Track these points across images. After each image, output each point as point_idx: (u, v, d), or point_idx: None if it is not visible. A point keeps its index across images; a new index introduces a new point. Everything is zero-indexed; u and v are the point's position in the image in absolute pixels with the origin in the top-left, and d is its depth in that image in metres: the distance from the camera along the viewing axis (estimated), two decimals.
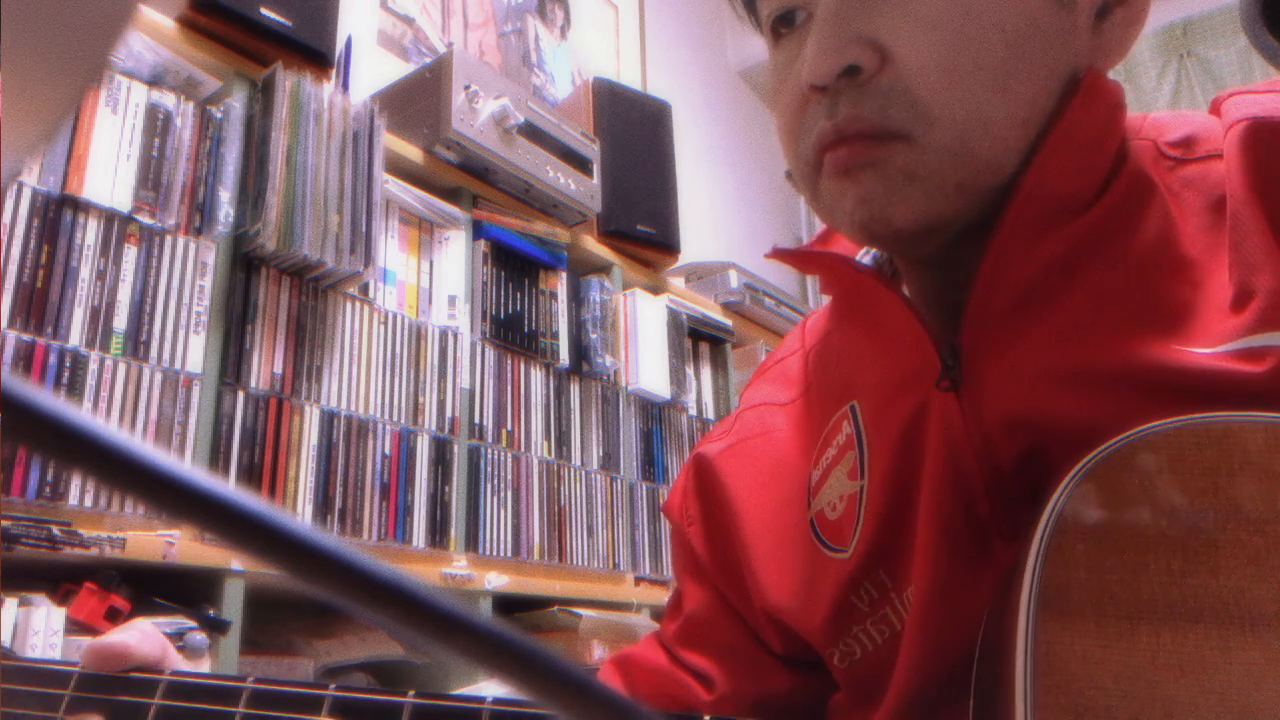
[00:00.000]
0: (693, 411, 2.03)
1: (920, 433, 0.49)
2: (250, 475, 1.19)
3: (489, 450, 1.52)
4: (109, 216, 1.12)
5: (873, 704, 0.51)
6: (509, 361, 1.62)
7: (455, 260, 1.56)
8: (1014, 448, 0.45)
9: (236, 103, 1.28)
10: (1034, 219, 0.47)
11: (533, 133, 1.67)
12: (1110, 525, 0.36)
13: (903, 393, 0.50)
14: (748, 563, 0.60)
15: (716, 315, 2.15)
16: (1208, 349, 0.42)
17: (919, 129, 0.45)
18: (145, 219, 1.15)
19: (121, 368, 1.09)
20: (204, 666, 1.06)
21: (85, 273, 1.09)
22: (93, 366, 1.07)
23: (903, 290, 0.53)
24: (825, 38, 0.46)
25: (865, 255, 0.59)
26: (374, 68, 1.88)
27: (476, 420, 1.52)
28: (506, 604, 1.52)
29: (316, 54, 1.36)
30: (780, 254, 0.56)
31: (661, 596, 1.77)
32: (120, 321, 1.11)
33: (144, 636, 0.51)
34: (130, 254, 1.14)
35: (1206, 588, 0.34)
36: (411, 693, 0.43)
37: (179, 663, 0.52)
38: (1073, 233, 0.47)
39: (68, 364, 1.05)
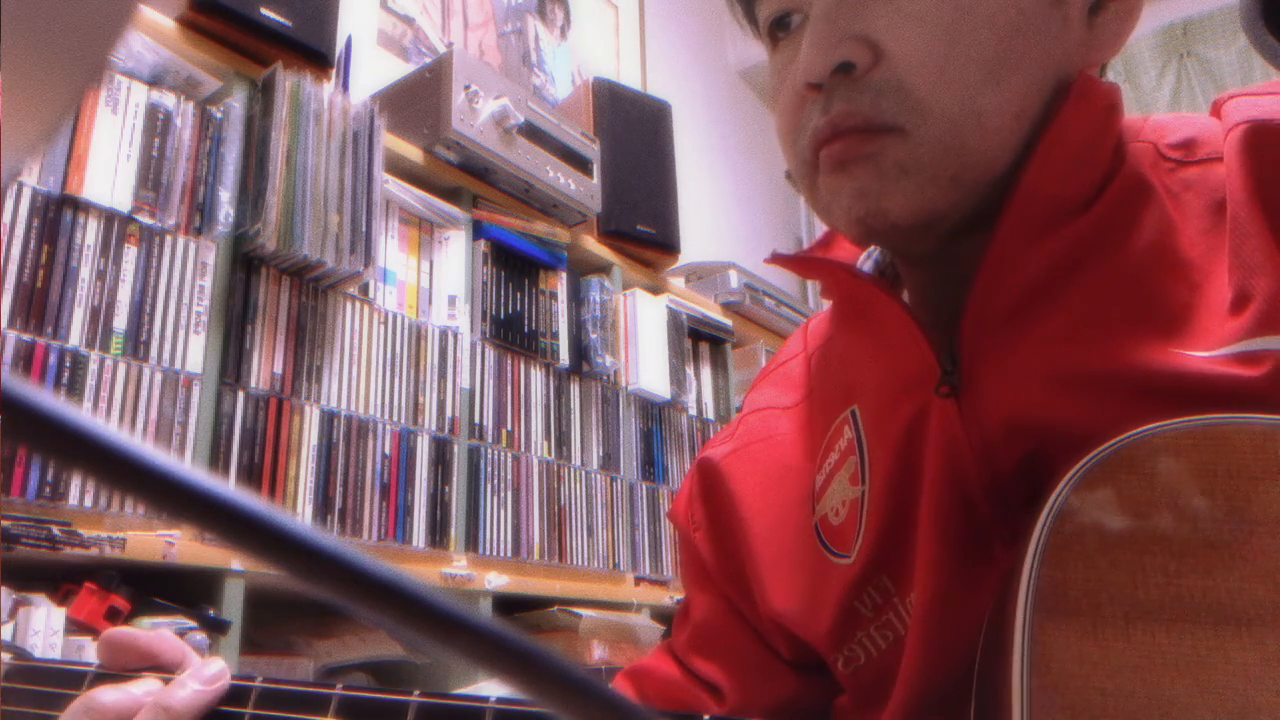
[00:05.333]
0: (693, 411, 2.03)
1: (920, 438, 0.49)
2: (250, 475, 1.19)
3: (489, 450, 1.52)
4: (109, 216, 1.12)
5: (877, 708, 0.51)
6: (509, 361, 1.62)
7: (455, 260, 1.56)
8: (1013, 451, 0.45)
9: (236, 103, 1.28)
10: (1031, 221, 0.47)
11: (533, 133, 1.68)
12: (1106, 526, 0.36)
13: (902, 398, 0.50)
14: (753, 568, 0.59)
15: (716, 315, 2.16)
16: (1205, 352, 0.42)
17: (912, 122, 0.46)
18: (145, 219, 1.15)
19: (121, 368, 1.09)
20: None
21: (85, 273, 1.09)
22: (93, 366, 1.07)
23: (903, 296, 0.53)
24: (818, 36, 0.47)
25: (866, 261, 0.59)
26: (374, 68, 1.88)
27: (476, 420, 1.52)
28: (506, 604, 1.52)
29: (316, 54, 1.36)
30: (779, 259, 0.56)
31: (662, 596, 1.77)
32: (120, 321, 1.11)
33: (159, 636, 0.51)
34: (130, 254, 1.14)
35: (1203, 588, 0.34)
36: (417, 692, 0.43)
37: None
38: (1070, 235, 0.47)
39: (68, 364, 1.05)
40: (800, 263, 0.57)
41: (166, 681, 0.46)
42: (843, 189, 0.48)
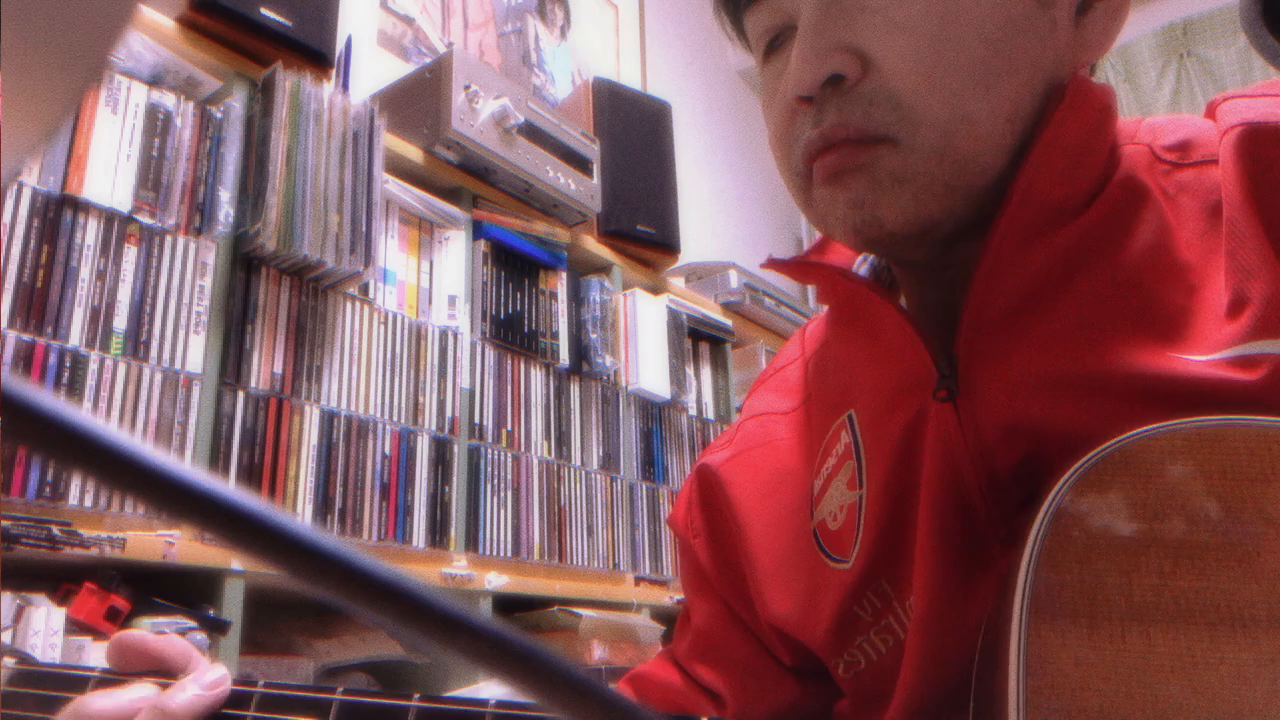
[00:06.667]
0: (693, 411, 2.03)
1: (917, 442, 0.49)
2: (250, 475, 1.19)
3: (489, 450, 1.52)
4: (109, 216, 1.12)
5: (877, 712, 0.51)
6: (509, 361, 1.62)
7: (455, 260, 1.56)
8: (1011, 455, 0.45)
9: (236, 103, 1.28)
10: (1027, 224, 0.47)
11: (533, 133, 1.68)
12: (1102, 528, 0.36)
13: (899, 402, 0.50)
14: (751, 573, 0.59)
15: (716, 315, 2.15)
16: (1202, 356, 0.42)
17: (903, 131, 0.46)
18: (145, 219, 1.15)
19: (121, 368, 1.09)
20: None
21: (85, 273, 1.09)
22: (93, 366, 1.07)
23: (899, 301, 0.54)
24: (807, 49, 0.47)
25: (862, 265, 0.59)
26: (374, 68, 1.88)
27: (476, 420, 1.52)
28: (506, 604, 1.52)
29: (316, 54, 1.36)
30: (776, 264, 0.56)
31: (662, 596, 1.77)
32: (120, 321, 1.11)
33: (168, 641, 0.51)
34: (130, 254, 1.14)
35: (1199, 589, 0.34)
36: (417, 696, 0.43)
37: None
38: (1066, 238, 0.47)
39: (68, 364, 1.05)
40: (796, 267, 0.57)
41: (165, 687, 0.46)
42: (838, 200, 0.48)
